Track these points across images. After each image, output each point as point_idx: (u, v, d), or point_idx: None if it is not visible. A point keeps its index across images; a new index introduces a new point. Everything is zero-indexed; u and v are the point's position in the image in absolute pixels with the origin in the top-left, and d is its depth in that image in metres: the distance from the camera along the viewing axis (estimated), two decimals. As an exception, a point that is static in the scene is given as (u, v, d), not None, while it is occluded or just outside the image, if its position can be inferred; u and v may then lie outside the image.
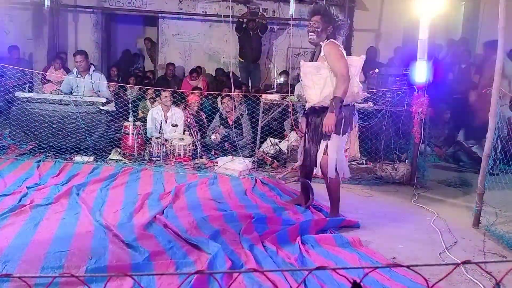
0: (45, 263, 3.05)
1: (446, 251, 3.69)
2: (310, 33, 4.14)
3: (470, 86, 8.53)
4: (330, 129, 3.99)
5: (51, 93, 6.56)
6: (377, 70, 6.52)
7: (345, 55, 4.08)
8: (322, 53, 4.08)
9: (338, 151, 4.14)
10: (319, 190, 4.97)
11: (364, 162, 6.26)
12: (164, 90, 6.91)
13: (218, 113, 7.03)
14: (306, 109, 4.35)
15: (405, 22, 8.88)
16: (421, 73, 5.55)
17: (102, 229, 3.67)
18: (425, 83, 5.57)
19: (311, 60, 4.24)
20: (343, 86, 3.93)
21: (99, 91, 6.61)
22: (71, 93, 6.56)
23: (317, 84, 4.06)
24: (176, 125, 6.76)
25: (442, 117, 7.63)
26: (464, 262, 1.04)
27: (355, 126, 5.84)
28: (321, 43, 4.12)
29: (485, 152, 4.27)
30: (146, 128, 6.71)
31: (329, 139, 4.08)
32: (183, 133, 6.71)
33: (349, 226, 4.10)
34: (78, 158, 6.00)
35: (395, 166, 5.93)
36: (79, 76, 6.60)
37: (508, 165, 5.48)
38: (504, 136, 6.63)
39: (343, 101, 3.98)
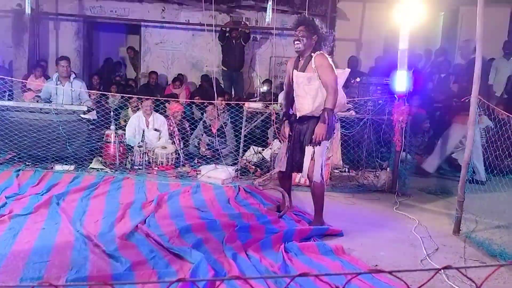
0: (24, 274, 2.99)
1: (428, 258, 3.73)
2: (296, 42, 4.25)
3: (449, 95, 8.71)
4: (321, 138, 4.13)
5: (31, 101, 6.48)
6: (358, 79, 6.60)
7: (334, 67, 4.19)
8: (313, 65, 4.16)
9: (322, 156, 4.25)
10: (302, 197, 5.00)
11: (347, 170, 6.31)
12: (147, 99, 6.87)
13: (201, 121, 7.02)
14: (295, 117, 4.37)
15: (386, 32, 9.04)
16: (401, 82, 5.63)
17: (82, 239, 3.62)
18: (406, 92, 5.66)
19: (296, 67, 4.30)
20: (333, 98, 4.07)
21: (80, 99, 6.56)
22: (49, 100, 6.48)
23: (309, 94, 4.16)
24: (158, 130, 6.71)
25: (422, 126, 7.73)
26: (445, 267, 1.06)
27: (335, 133, 5.90)
28: (312, 54, 4.21)
29: (464, 160, 4.34)
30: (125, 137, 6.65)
31: (319, 145, 4.17)
32: (170, 139, 6.67)
33: (332, 235, 4.12)
34: (58, 167, 5.92)
35: (377, 174, 5.99)
36: (58, 83, 6.55)
37: (487, 172, 5.58)
38: (483, 144, 6.77)
39: (333, 111, 4.13)
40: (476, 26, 4.16)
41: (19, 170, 5.65)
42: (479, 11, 4.13)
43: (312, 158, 4.20)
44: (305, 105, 4.20)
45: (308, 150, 4.23)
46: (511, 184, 5.21)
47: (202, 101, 7.47)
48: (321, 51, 4.22)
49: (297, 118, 4.30)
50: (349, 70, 4.53)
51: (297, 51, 4.28)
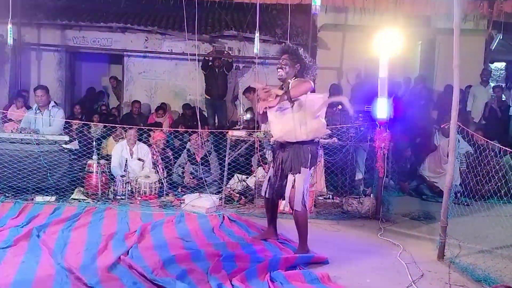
0: (2, 310, 2.90)
1: (413, 284, 3.73)
2: (278, 69, 4.29)
3: (429, 122, 8.88)
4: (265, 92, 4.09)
5: (12, 131, 6.40)
6: (340, 107, 6.68)
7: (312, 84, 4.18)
8: (289, 88, 4.17)
9: (304, 184, 4.22)
10: (287, 225, 4.98)
11: (331, 197, 6.32)
12: (130, 128, 6.85)
13: (185, 150, 7.00)
14: (277, 144, 4.39)
15: (365, 60, 9.22)
16: (382, 109, 5.72)
17: (63, 272, 3.54)
18: (387, 119, 5.75)
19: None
20: (299, 87, 4.03)
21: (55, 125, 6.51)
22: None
23: (279, 118, 4.18)
24: (142, 160, 6.66)
25: (403, 154, 7.84)
26: (431, 294, 1.06)
27: (320, 161, 5.93)
28: (289, 80, 4.24)
29: (446, 185, 4.39)
30: (110, 166, 6.58)
31: (299, 172, 4.15)
32: (153, 168, 6.62)
33: (318, 262, 4.09)
34: (39, 198, 5.81)
35: (361, 201, 6.01)
36: (38, 111, 6.51)
37: (468, 197, 5.66)
38: (464, 169, 6.88)
39: (291, 97, 4.02)
40: (452, 54, 4.28)
41: (-2, 202, 5.54)
42: (455, 40, 4.26)
43: (293, 186, 4.18)
44: (275, 130, 4.24)
45: (290, 178, 4.23)
46: (493, 209, 5.28)
47: (186, 129, 7.48)
48: (299, 78, 4.22)
49: (280, 145, 4.30)
50: (328, 94, 4.54)
51: (279, 78, 4.32)
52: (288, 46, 4.36)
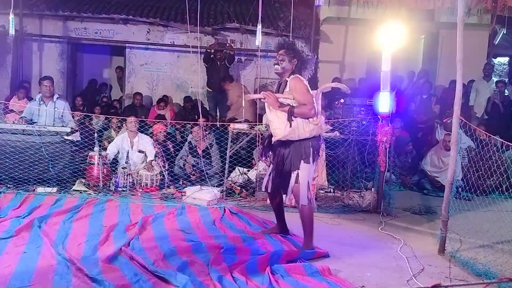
0: (4, 300, 2.91)
1: (414, 278, 3.73)
2: (275, 65, 4.25)
3: (431, 116, 8.86)
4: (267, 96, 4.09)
5: (14, 122, 6.40)
6: (342, 101, 6.67)
7: (310, 89, 4.16)
8: (287, 88, 4.15)
9: (308, 178, 4.19)
10: (291, 219, 4.98)
11: (332, 190, 6.32)
12: (130, 116, 6.86)
13: (187, 142, 7.00)
14: (273, 141, 4.34)
15: (368, 54, 9.20)
16: (384, 103, 5.70)
17: (65, 262, 3.55)
18: (389, 113, 5.73)
19: (277, 92, 4.30)
20: (304, 109, 4.02)
21: (63, 120, 6.51)
22: (31, 120, 6.43)
23: (281, 119, 4.10)
24: (143, 152, 6.64)
25: (405, 148, 7.84)
26: (434, 286, 1.06)
27: (321, 155, 5.92)
28: (286, 78, 4.20)
29: (448, 180, 4.39)
30: (112, 158, 6.58)
31: (298, 169, 4.12)
32: (154, 160, 6.61)
33: (319, 257, 4.10)
34: (40, 189, 5.82)
35: (362, 194, 6.01)
36: (41, 103, 6.51)
37: (470, 192, 5.66)
38: (465, 164, 6.87)
39: (294, 114, 4.03)
40: (456, 49, 4.25)
41: (0, 192, 5.55)
42: (459, 34, 4.23)
43: (297, 181, 4.16)
44: (277, 130, 4.15)
45: (293, 173, 4.19)
46: (494, 204, 5.28)
47: (187, 122, 7.48)
48: (296, 74, 4.17)
49: (281, 142, 4.24)
50: (320, 90, 4.47)
51: (276, 73, 4.29)
52: (284, 41, 4.32)
